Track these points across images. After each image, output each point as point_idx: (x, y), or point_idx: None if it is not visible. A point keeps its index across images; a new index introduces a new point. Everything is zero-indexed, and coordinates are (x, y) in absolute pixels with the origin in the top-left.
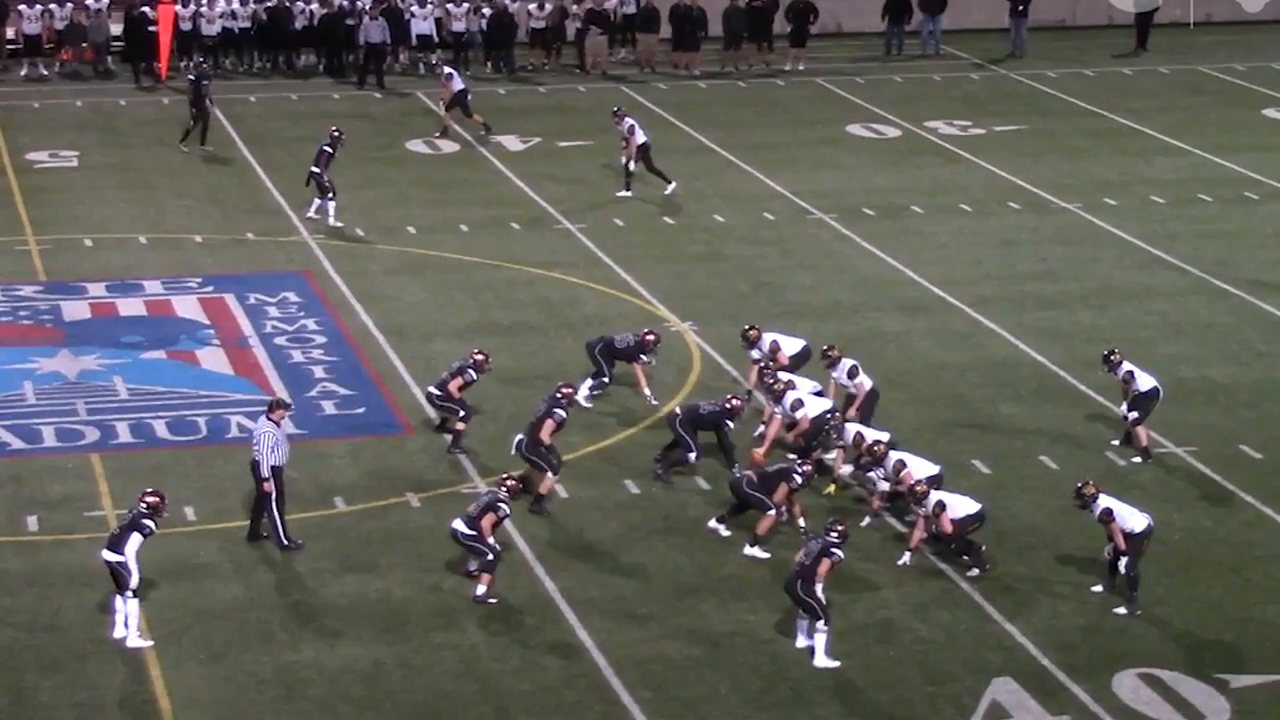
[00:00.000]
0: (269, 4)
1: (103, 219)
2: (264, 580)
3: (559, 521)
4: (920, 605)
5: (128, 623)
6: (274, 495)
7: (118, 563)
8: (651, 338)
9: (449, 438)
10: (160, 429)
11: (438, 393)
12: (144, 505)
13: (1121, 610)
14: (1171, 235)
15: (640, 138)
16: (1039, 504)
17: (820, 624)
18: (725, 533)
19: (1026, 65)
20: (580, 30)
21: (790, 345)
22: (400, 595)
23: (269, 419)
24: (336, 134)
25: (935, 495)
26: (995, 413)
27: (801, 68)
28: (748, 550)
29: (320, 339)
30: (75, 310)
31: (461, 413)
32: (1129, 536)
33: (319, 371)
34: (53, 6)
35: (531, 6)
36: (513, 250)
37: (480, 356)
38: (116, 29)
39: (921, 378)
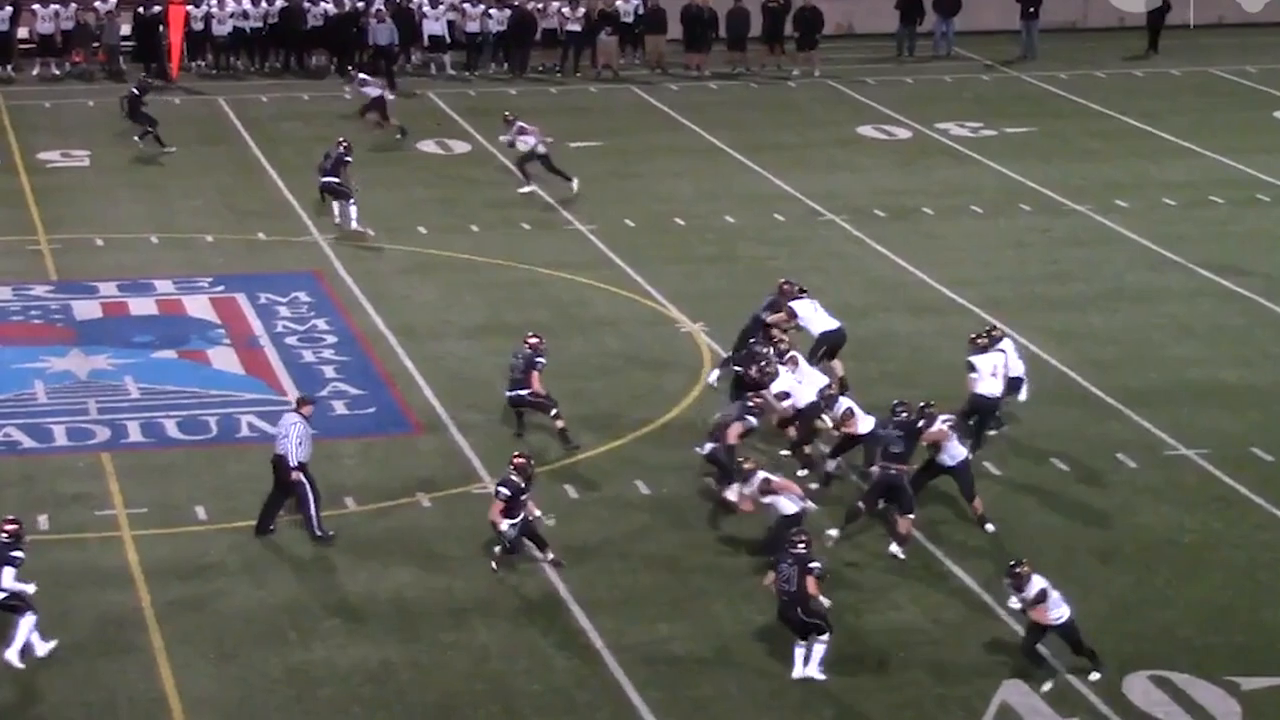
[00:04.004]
0: (281, 4)
1: (114, 219)
2: (275, 579)
3: (570, 522)
4: (931, 607)
5: (15, 637)
6: (308, 487)
7: (3, 598)
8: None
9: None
10: (171, 428)
11: (525, 394)
12: (4, 536)
13: (1095, 675)
14: (1182, 237)
15: (531, 141)
16: (1049, 505)
17: (823, 636)
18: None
19: (1038, 67)
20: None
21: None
22: (411, 595)
23: (298, 413)
24: (345, 144)
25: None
26: (1006, 414)
27: (817, 73)
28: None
29: (331, 339)
30: (86, 310)
31: (552, 406)
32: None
33: (329, 371)
34: (57, 7)
35: (565, 10)
36: (523, 250)
37: (535, 340)
38: (126, 29)
39: (932, 378)
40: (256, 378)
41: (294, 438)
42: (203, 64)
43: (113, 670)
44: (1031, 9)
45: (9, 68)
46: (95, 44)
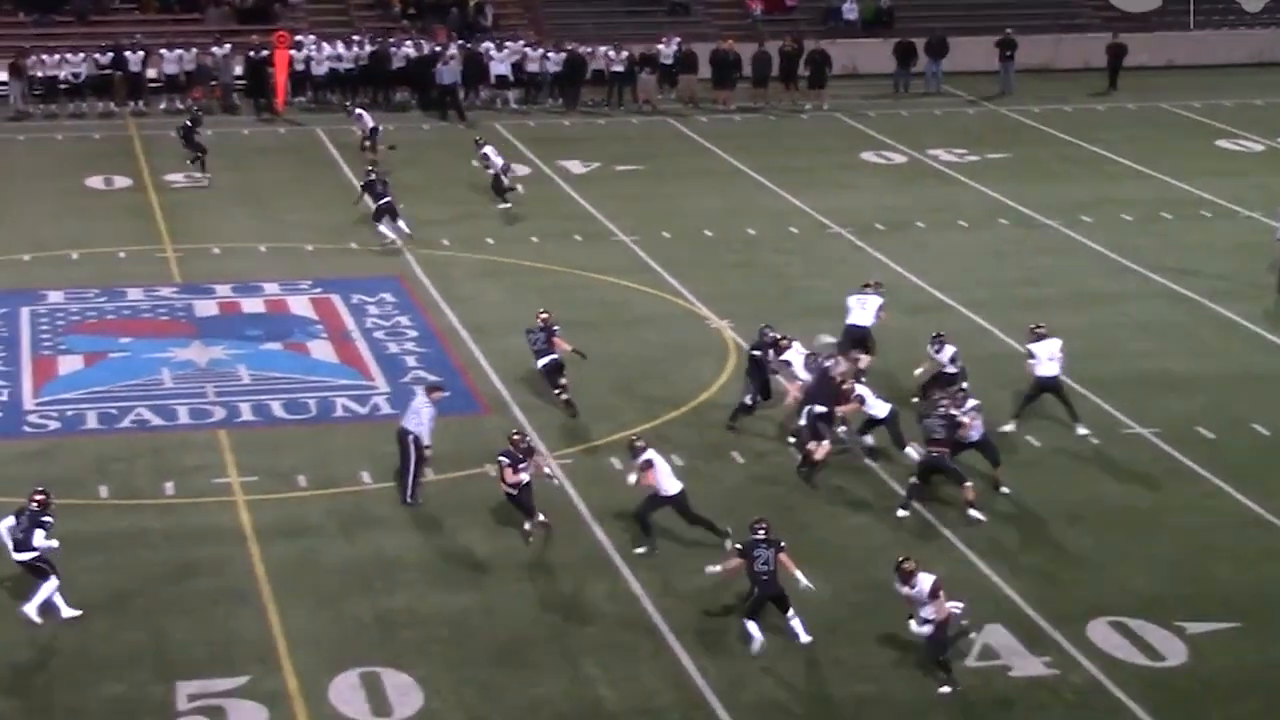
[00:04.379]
0: (370, 49)
1: (228, 231)
2: (364, 538)
3: (615, 489)
4: (923, 561)
5: (38, 594)
6: (418, 459)
7: (32, 559)
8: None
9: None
10: (277, 409)
11: (555, 357)
12: (35, 504)
13: (945, 689)
14: (1138, 248)
15: (499, 163)
16: (1023, 478)
17: (790, 611)
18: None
19: (1014, 102)
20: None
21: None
22: (480, 552)
23: (428, 397)
24: (372, 170)
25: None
26: (986, 399)
27: (826, 107)
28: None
29: (412, 333)
30: (205, 308)
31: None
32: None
33: (411, 361)
34: (181, 51)
35: (611, 53)
36: (575, 258)
37: (546, 315)
38: (239, 70)
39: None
40: (349, 366)
41: (425, 418)
42: (303, 99)
43: (229, 615)
44: (1009, 53)
45: (140, 103)
46: (213, 82)
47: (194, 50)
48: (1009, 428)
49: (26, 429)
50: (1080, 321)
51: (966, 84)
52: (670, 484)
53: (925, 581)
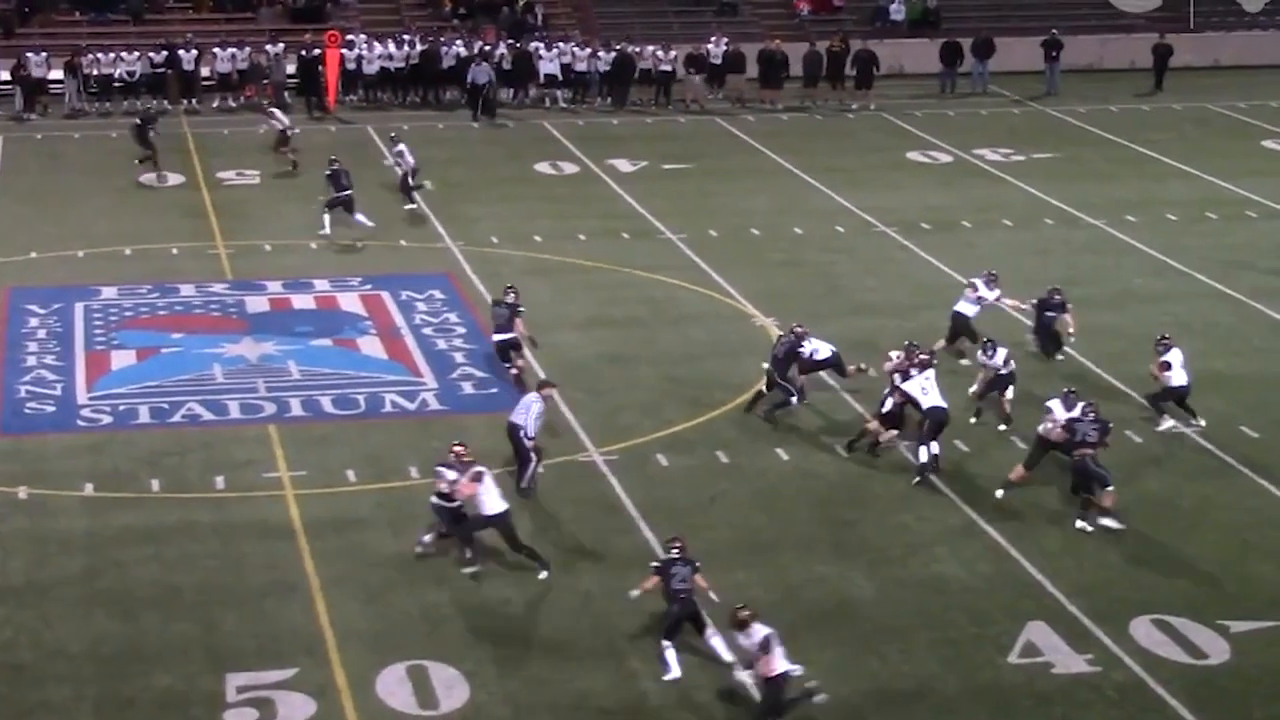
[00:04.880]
0: (420, 48)
1: (280, 228)
2: (412, 532)
3: (660, 485)
4: (967, 560)
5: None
6: (532, 453)
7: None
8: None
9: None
10: (326, 404)
11: (511, 336)
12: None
13: None
14: (1183, 248)
15: (410, 161)
16: (1065, 477)
17: (710, 629)
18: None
19: (1060, 102)
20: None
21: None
22: (528, 545)
23: (538, 394)
24: (336, 160)
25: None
26: (1032, 397)
27: (872, 107)
28: None
29: (461, 330)
30: (256, 304)
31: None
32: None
33: (459, 357)
34: (234, 50)
35: (660, 53)
36: (623, 256)
37: (515, 294)
38: (291, 68)
39: (969, 366)
40: (398, 362)
41: (533, 414)
42: (354, 98)
43: (278, 607)
44: (1055, 53)
45: (194, 101)
46: (265, 81)
47: (247, 49)
48: (1164, 425)
49: (80, 423)
50: (1124, 321)
51: (1012, 84)
52: (494, 504)
53: (759, 633)
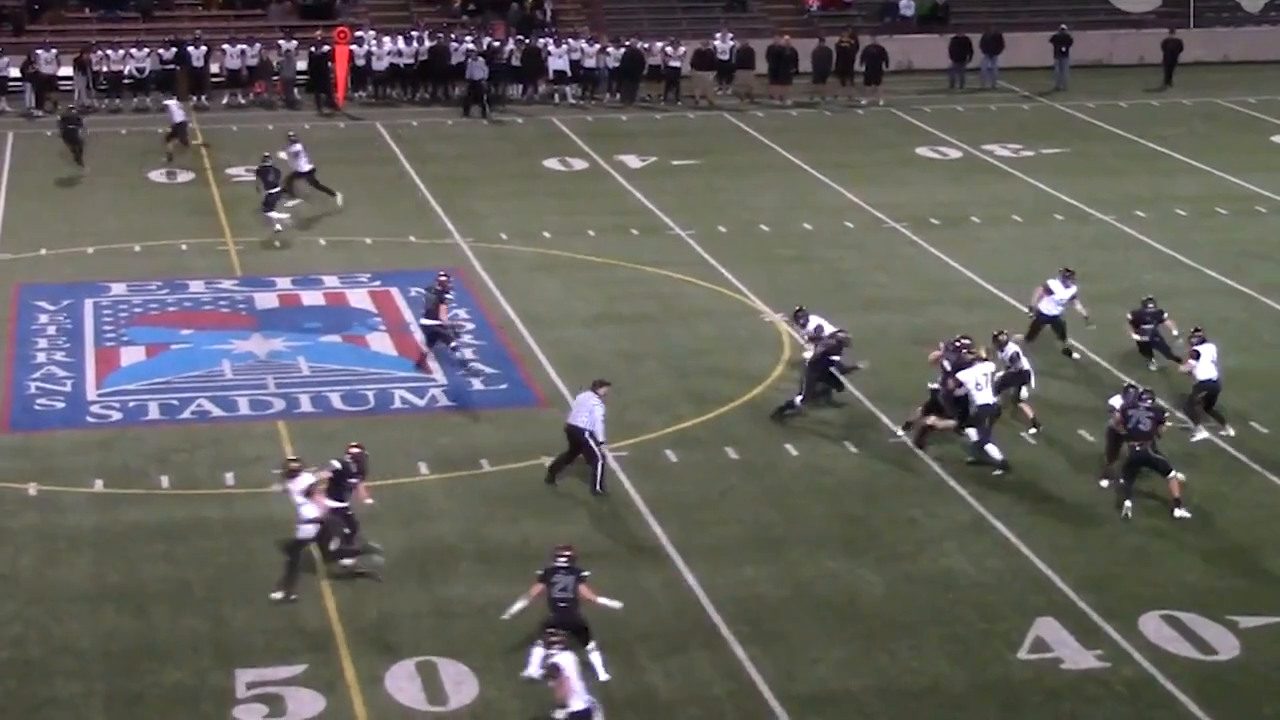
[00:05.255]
0: (429, 44)
1: (289, 224)
2: (422, 529)
3: (669, 481)
4: (977, 555)
5: None
6: (598, 451)
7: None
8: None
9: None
10: (336, 400)
11: (435, 322)
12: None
13: None
14: (1192, 243)
15: (303, 165)
16: (1078, 470)
17: (592, 644)
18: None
19: (1069, 98)
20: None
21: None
22: (535, 541)
23: (596, 394)
24: (269, 156)
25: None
26: (1041, 392)
27: (881, 102)
28: None
29: (469, 326)
30: (266, 300)
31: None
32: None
33: (468, 354)
34: (244, 46)
35: (669, 49)
36: (631, 252)
37: (445, 278)
38: (302, 65)
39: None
40: (407, 359)
41: (597, 416)
42: (364, 94)
43: (288, 603)
44: (1064, 48)
45: (203, 98)
46: (274, 77)
47: (257, 45)
48: (1198, 436)
49: (89, 419)
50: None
51: (1022, 79)
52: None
53: (549, 659)
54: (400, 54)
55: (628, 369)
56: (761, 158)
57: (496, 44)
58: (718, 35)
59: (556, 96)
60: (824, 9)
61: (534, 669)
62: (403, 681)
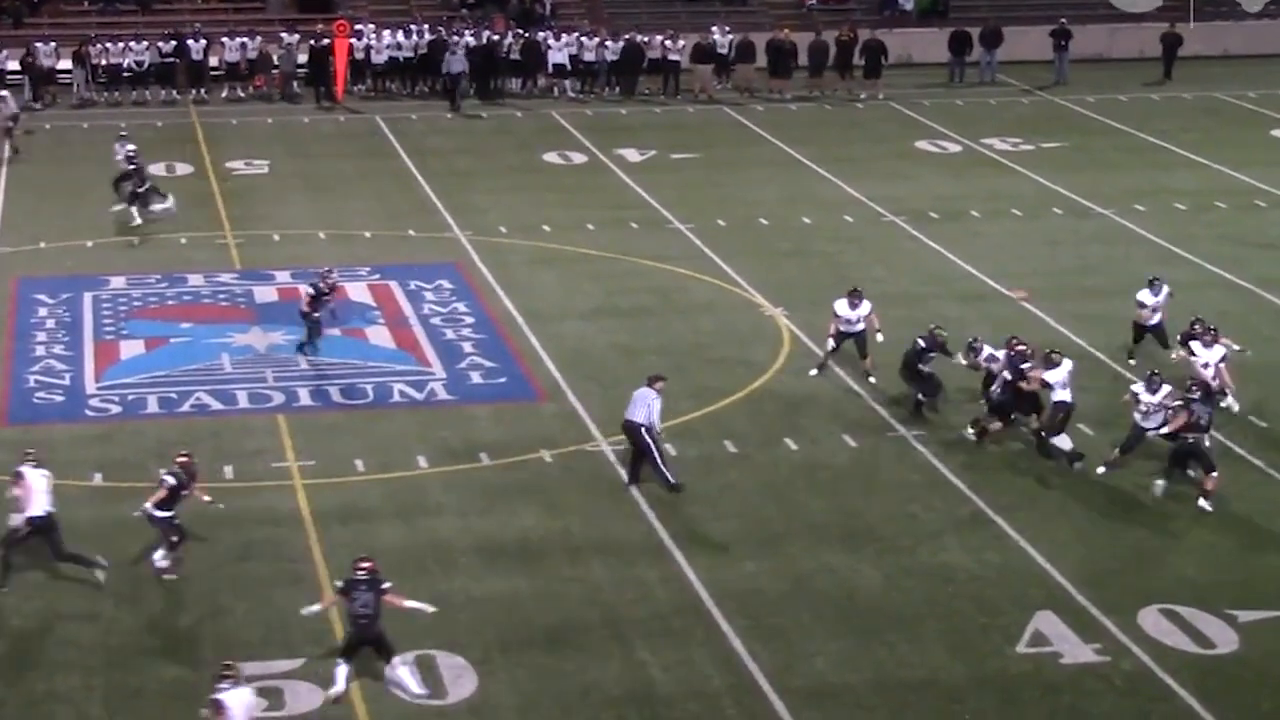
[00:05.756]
0: (429, 37)
1: (288, 217)
2: (420, 523)
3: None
4: (974, 548)
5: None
6: (654, 447)
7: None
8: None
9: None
10: (335, 394)
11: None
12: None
13: None
14: (1191, 237)
15: (125, 163)
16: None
17: (396, 659)
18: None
19: (1069, 91)
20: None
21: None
22: (534, 535)
23: (651, 388)
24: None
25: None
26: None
27: (881, 96)
28: None
29: (469, 319)
30: (265, 294)
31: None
32: None
33: (468, 347)
34: (244, 40)
35: (668, 42)
36: (631, 246)
37: (328, 272)
38: (302, 58)
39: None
40: (406, 352)
41: (655, 410)
42: (362, 88)
43: (286, 596)
44: (1064, 42)
45: (202, 91)
46: (274, 70)
47: (257, 38)
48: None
49: (88, 413)
50: (1133, 311)
51: (1021, 73)
52: (40, 504)
53: (234, 701)
54: (399, 47)
55: (627, 363)
56: (761, 152)
57: (496, 37)
58: (716, 29)
59: (556, 90)
60: (823, 3)
61: (341, 686)
62: (401, 675)
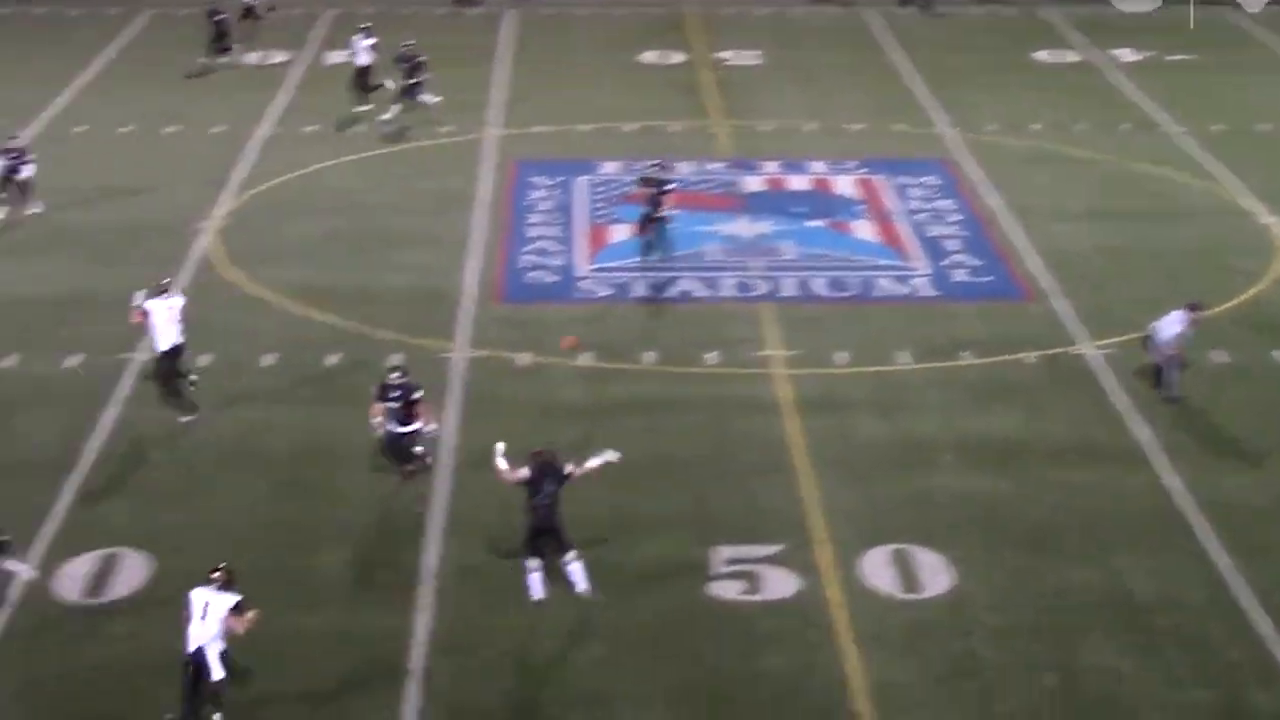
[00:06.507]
0: None
1: (779, 109)
2: (901, 417)
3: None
4: None
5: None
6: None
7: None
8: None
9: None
10: (819, 286)
11: None
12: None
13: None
14: None
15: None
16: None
17: (571, 552)
18: None
19: None
20: None
21: None
22: (1016, 437)
23: (1188, 314)
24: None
25: None
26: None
27: None
28: None
29: (955, 217)
30: (752, 184)
31: None
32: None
33: (952, 245)
34: None
35: None
36: (1123, 147)
37: None
38: None
39: None
40: (890, 247)
41: (1171, 332)
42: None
43: (766, 484)
44: None
45: None
46: None
47: None
48: None
49: (577, 294)
50: None
51: None
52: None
53: None
54: None
55: (1115, 265)
56: (1262, 56)
57: None
58: None
59: None
60: None
61: (538, 591)
62: (878, 567)
